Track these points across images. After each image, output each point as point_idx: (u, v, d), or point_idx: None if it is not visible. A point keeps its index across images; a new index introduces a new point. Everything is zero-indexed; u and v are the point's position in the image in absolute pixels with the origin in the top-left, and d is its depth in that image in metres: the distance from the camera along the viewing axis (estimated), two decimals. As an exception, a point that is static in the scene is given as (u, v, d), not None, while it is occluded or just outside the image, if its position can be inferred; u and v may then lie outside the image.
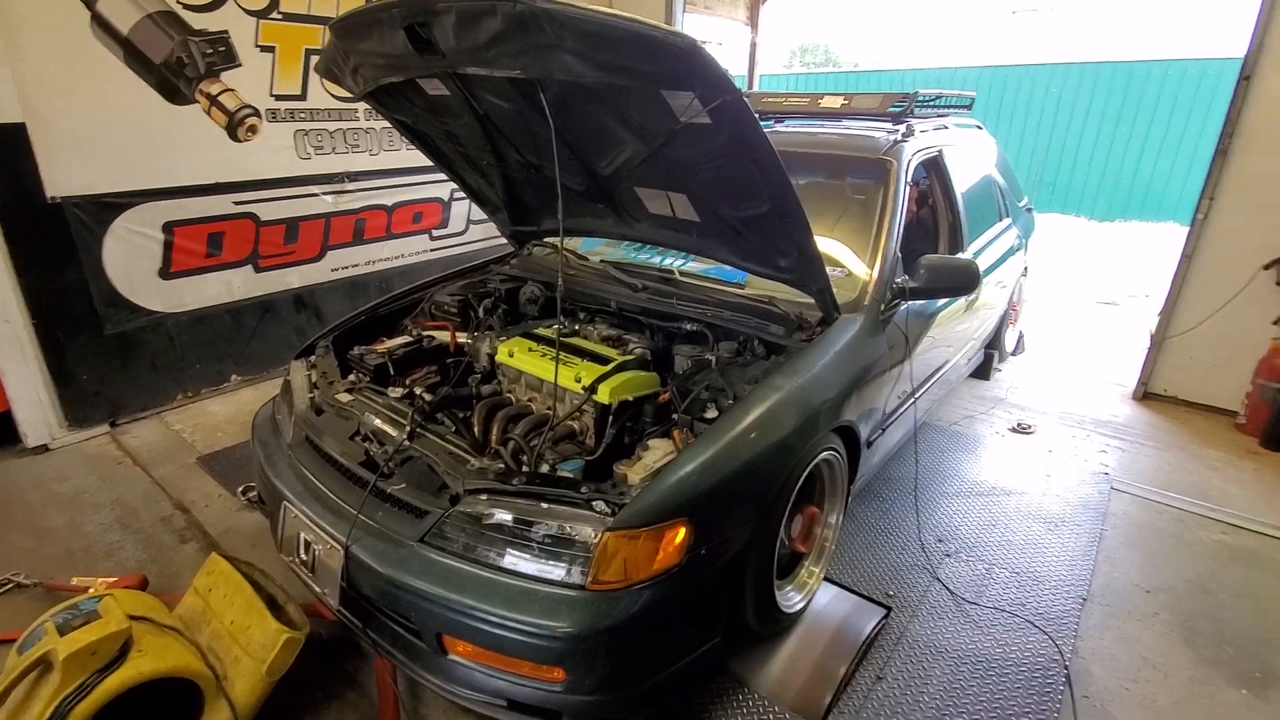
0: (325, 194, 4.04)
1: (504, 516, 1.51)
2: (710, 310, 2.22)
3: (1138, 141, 9.85)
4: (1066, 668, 1.93)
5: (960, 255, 2.85)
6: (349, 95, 2.39)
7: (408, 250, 4.58)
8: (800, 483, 1.86)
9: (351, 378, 2.19)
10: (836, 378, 1.97)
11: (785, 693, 1.84)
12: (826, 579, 2.21)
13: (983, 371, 3.93)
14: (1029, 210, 4.30)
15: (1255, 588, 2.31)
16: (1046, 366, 4.26)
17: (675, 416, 1.79)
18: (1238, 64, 3.23)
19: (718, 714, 1.77)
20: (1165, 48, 10.05)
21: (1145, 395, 3.77)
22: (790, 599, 1.99)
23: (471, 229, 4.96)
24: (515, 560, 1.47)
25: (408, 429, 1.81)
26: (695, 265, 2.51)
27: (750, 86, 7.13)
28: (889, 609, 2.14)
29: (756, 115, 3.35)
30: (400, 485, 1.67)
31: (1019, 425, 3.42)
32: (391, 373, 2.18)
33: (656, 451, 1.64)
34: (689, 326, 2.22)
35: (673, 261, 2.57)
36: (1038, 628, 2.08)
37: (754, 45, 7.02)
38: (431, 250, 4.73)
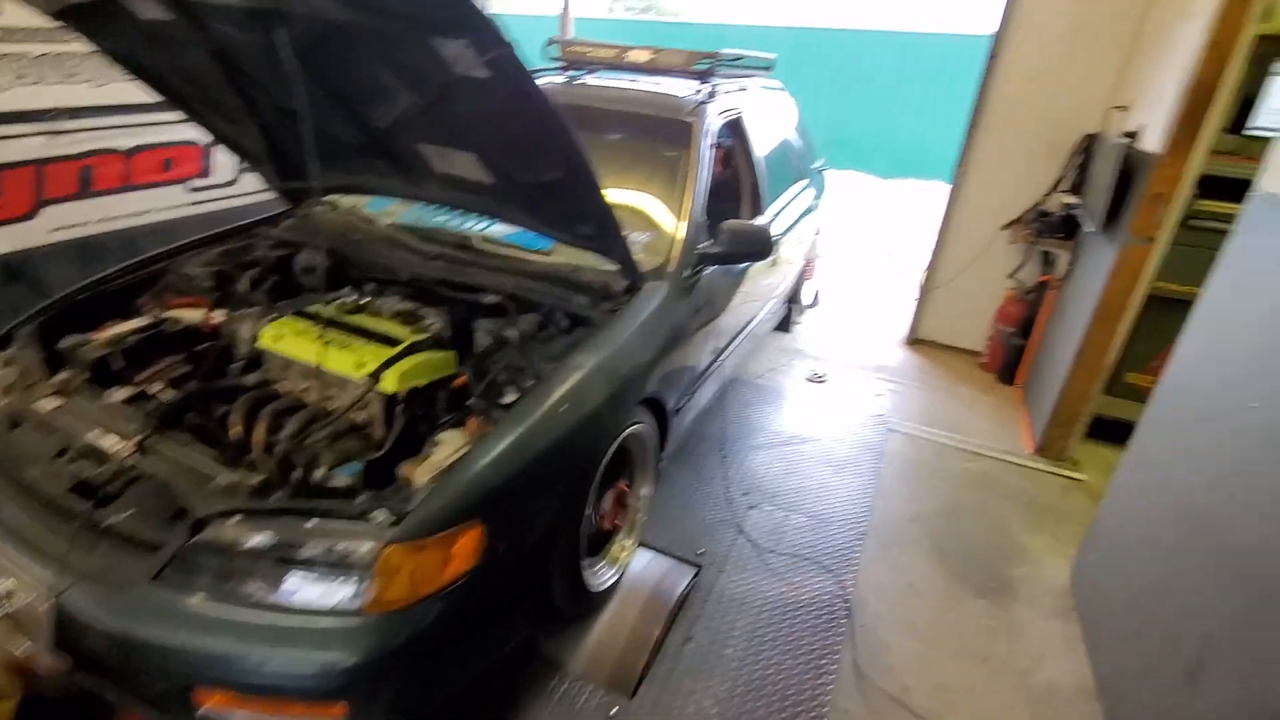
0: (33, 134, 3.21)
1: (262, 541, 1.30)
2: (512, 280, 2.08)
3: (915, 106, 11.02)
4: (848, 601, 2.15)
5: (757, 221, 2.96)
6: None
7: (158, 204, 3.82)
8: (608, 461, 1.84)
9: (63, 376, 1.76)
10: (643, 350, 1.95)
11: (599, 668, 1.85)
12: (641, 544, 2.25)
13: (784, 325, 4.22)
14: (822, 171, 4.60)
15: (988, 506, 2.73)
16: (838, 317, 4.67)
17: (470, 403, 1.66)
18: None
19: (529, 704, 1.73)
20: (944, 21, 11.21)
21: (915, 341, 4.29)
22: (601, 576, 1.99)
23: (244, 179, 4.26)
24: (280, 591, 1.28)
25: (135, 441, 1.49)
26: (499, 229, 2.34)
27: (564, 30, 6.83)
28: (699, 568, 2.24)
29: (559, 68, 3.13)
30: (124, 514, 1.38)
31: (814, 375, 3.73)
32: (119, 367, 1.79)
33: (448, 446, 1.50)
34: (490, 298, 2.07)
35: (473, 226, 2.37)
36: (825, 568, 2.29)
37: (567, -15, 6.70)
38: (191, 205, 3.99)
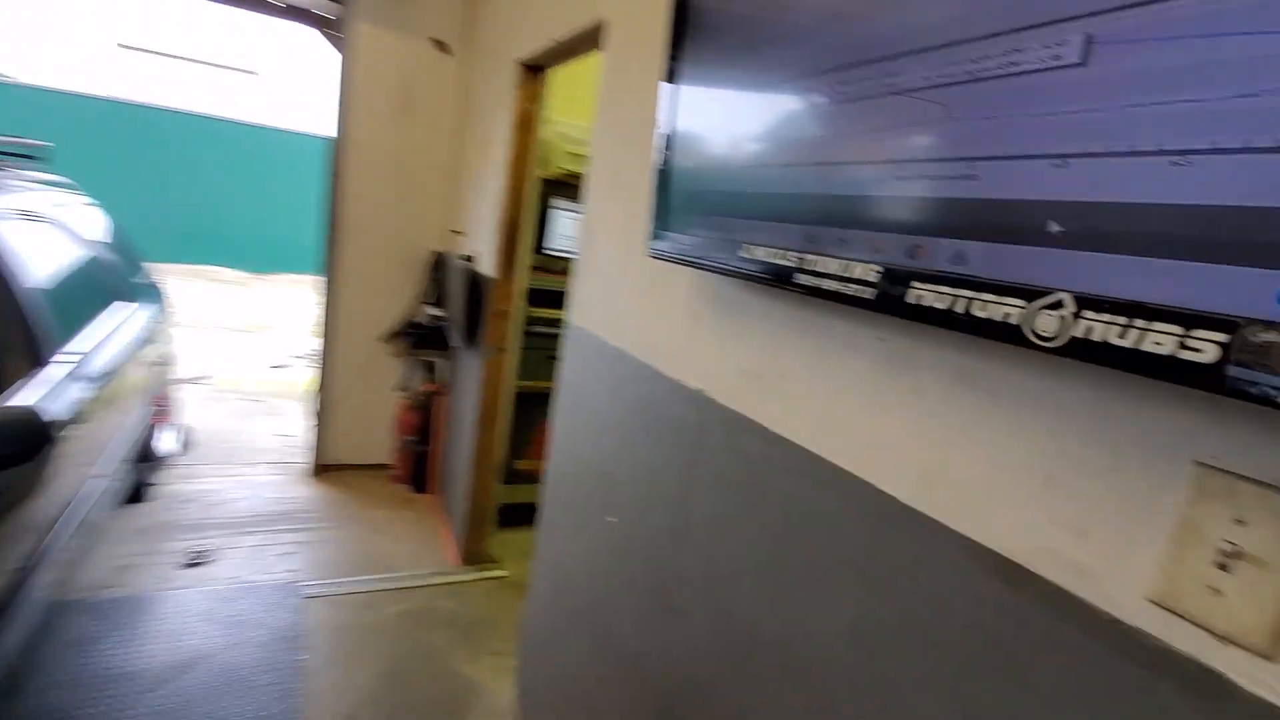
0: None
1: None
2: None
3: (281, 199, 10.48)
4: None
5: (29, 387, 2.01)
6: None
7: None
8: None
9: None
10: None
11: None
12: None
13: (136, 496, 3.14)
14: (155, 285, 3.68)
15: (428, 650, 2.50)
16: (221, 459, 3.82)
17: None
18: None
19: None
20: (290, 117, 10.85)
21: (321, 469, 3.85)
22: None
23: None
24: None
25: None
26: None
27: None
28: None
29: None
30: None
31: (194, 556, 2.86)
32: None
33: None
34: None
35: None
36: None
37: None
38: None
